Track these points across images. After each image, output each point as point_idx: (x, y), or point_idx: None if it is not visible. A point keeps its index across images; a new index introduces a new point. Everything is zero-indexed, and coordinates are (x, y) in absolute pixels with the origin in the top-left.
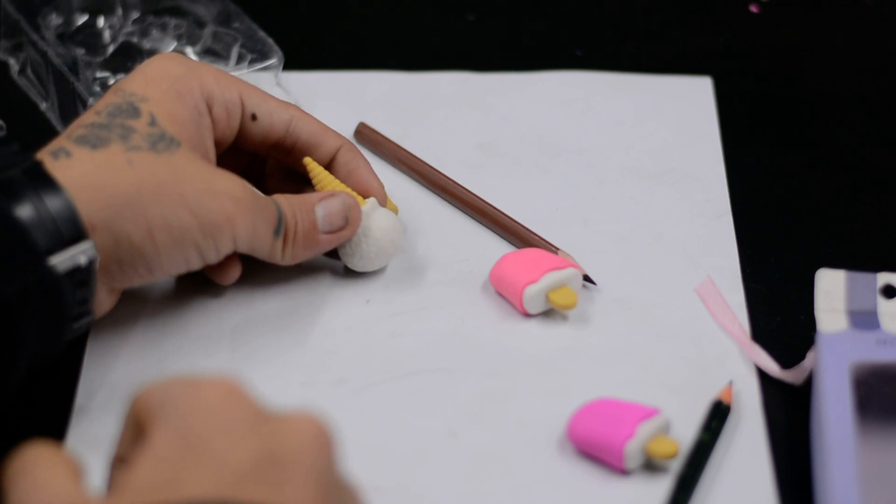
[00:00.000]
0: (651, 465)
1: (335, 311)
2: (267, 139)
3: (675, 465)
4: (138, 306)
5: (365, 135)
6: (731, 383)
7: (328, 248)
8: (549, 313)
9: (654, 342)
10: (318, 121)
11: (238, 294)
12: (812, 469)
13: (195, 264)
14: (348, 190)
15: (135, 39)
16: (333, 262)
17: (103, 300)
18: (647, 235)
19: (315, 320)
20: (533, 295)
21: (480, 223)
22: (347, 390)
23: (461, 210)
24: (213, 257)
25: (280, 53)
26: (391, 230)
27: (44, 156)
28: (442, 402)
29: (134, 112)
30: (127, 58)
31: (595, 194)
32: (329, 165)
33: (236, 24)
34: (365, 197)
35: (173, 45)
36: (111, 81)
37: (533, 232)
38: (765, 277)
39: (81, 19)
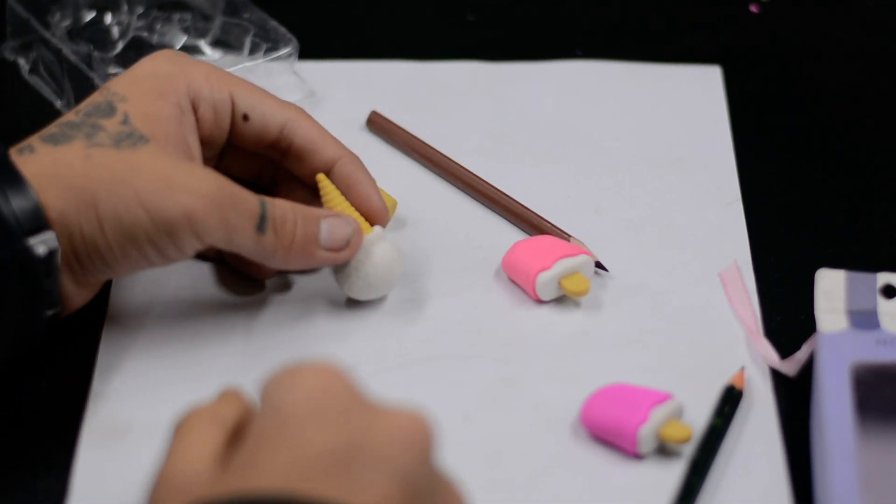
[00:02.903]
0: (664, 450)
1: (347, 297)
2: (261, 140)
3: (688, 450)
4: (154, 294)
5: (377, 123)
6: (742, 369)
7: (323, 264)
8: (561, 300)
9: (666, 328)
10: (319, 127)
11: (251, 282)
12: (812, 468)
13: (157, 261)
14: (356, 215)
15: (145, 34)
16: (333, 292)
17: (73, 293)
18: (658, 223)
19: (328, 307)
20: (545, 282)
21: (493, 211)
22: (360, 377)
23: (473, 198)
24: (175, 254)
25: (295, 42)
26: (391, 262)
27: (12, 152)
28: (455, 388)
29: (110, 111)
30: (138, 52)
31: (606, 182)
32: (328, 175)
33: (246, 15)
34: (367, 217)
35: (183, 38)
36: None
37: (545, 219)
38: (765, 277)
39: (89, 16)
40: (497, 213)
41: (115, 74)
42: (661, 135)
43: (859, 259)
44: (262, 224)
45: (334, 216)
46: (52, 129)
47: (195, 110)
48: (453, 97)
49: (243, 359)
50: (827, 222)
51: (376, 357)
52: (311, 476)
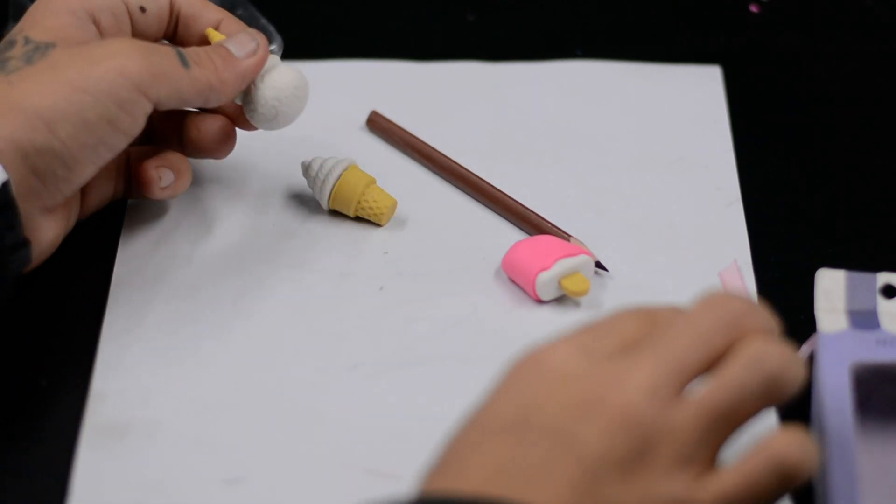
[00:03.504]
0: (567, 301)
1: (349, 297)
2: (161, 26)
3: None
4: (154, 292)
5: (377, 123)
6: None
7: (253, 73)
8: (561, 300)
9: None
10: None
11: (252, 280)
12: None
13: (116, 141)
14: None
15: None
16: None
17: (42, 225)
18: (658, 223)
19: (329, 306)
20: (546, 282)
21: (493, 210)
22: (360, 376)
23: (474, 198)
24: (129, 123)
25: (280, 40)
26: (292, 81)
27: None
28: (455, 388)
29: (10, 45)
30: None
31: (606, 182)
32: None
33: (239, 12)
34: None
35: None
36: None
37: (545, 219)
38: (765, 277)
39: None
40: (497, 212)
41: None
42: (661, 135)
43: (859, 259)
44: (183, 59)
45: (232, 35)
46: None
47: (97, 24)
48: (453, 97)
49: (245, 358)
50: (827, 222)
51: (376, 357)
52: (487, 444)
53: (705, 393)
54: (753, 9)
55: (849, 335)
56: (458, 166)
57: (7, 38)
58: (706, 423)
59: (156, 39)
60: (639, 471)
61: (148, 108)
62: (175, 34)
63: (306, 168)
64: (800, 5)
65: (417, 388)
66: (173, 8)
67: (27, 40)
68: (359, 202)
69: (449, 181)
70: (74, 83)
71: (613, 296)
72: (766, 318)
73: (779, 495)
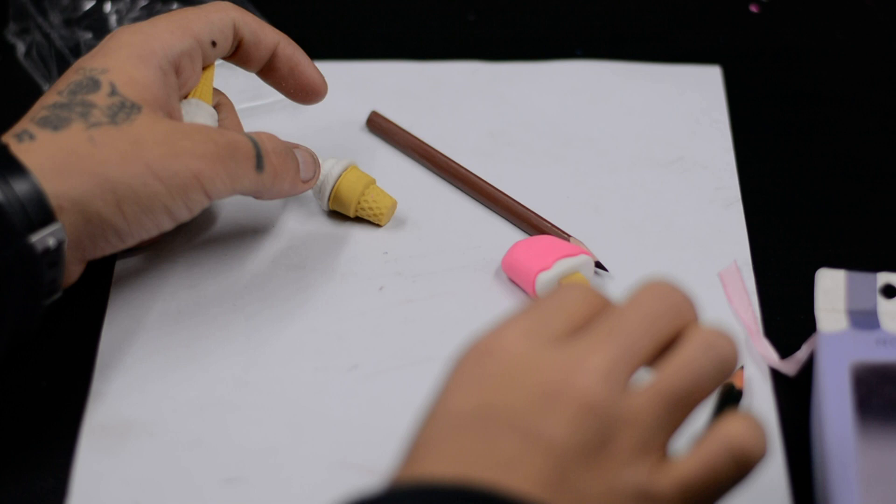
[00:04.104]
0: None
1: (348, 297)
2: (225, 53)
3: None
4: (154, 292)
5: (377, 123)
6: (742, 368)
7: (299, 192)
8: None
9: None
10: (256, 17)
11: (252, 281)
12: (812, 468)
13: (167, 226)
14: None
15: None
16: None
17: (72, 271)
18: (657, 223)
19: (328, 306)
20: (545, 282)
21: (492, 211)
22: (360, 376)
23: (473, 198)
24: (186, 216)
25: None
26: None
27: (8, 139)
28: None
29: (94, 85)
30: None
31: (606, 182)
32: (271, 63)
33: None
34: (310, 92)
35: None
36: None
37: (545, 219)
38: (765, 277)
39: (89, 4)
40: (497, 212)
41: None
42: (660, 135)
43: (859, 259)
44: (260, 162)
45: (297, 147)
46: (41, 111)
47: (177, 71)
48: (453, 97)
49: (244, 358)
50: (827, 222)
51: (376, 357)
52: (450, 440)
53: (661, 378)
54: (753, 9)
55: (849, 335)
56: (458, 166)
57: (86, 69)
58: (663, 409)
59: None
60: (603, 459)
61: (206, 205)
62: (235, 57)
63: None
64: (800, 5)
65: (417, 388)
66: (236, 36)
67: (113, 90)
68: (358, 203)
69: (449, 181)
70: (153, 168)
71: (613, 296)
72: (698, 309)
73: (735, 481)
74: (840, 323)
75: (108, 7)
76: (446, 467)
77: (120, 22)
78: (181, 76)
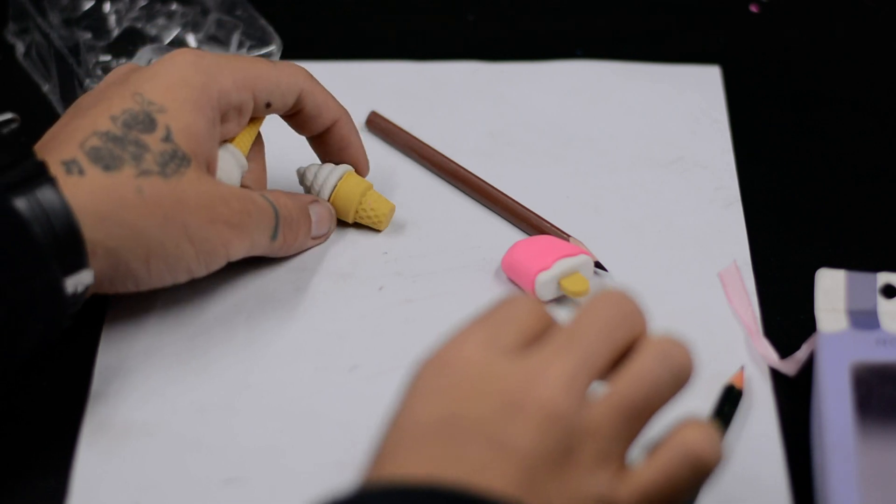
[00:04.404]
0: (566, 301)
1: (348, 298)
2: (277, 114)
3: None
4: (154, 293)
5: (377, 123)
6: (742, 368)
7: (307, 248)
8: (561, 300)
9: (665, 328)
10: (322, 89)
11: (252, 281)
12: (812, 469)
13: (182, 280)
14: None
15: (139, 25)
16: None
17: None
18: (657, 223)
19: (328, 307)
20: (545, 282)
21: (492, 211)
22: (360, 377)
23: (473, 198)
24: (203, 273)
25: (279, 40)
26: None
27: (57, 168)
28: None
29: (150, 124)
30: (130, 43)
31: (605, 182)
32: (324, 134)
33: (238, 12)
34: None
35: (175, 31)
36: (113, 65)
37: (544, 219)
38: (765, 277)
39: (88, 4)
40: (496, 212)
41: (104, 63)
42: (660, 135)
43: (859, 259)
44: (275, 233)
45: (314, 201)
46: (92, 138)
47: (223, 118)
48: (453, 97)
49: (244, 358)
50: (827, 222)
51: (376, 357)
52: (415, 450)
53: (618, 389)
54: (753, 9)
55: (849, 335)
56: (458, 166)
57: (144, 100)
58: (622, 419)
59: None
60: (567, 468)
61: (223, 265)
62: (290, 119)
63: (301, 176)
64: (800, 5)
65: None
66: (298, 105)
67: (168, 135)
68: (356, 210)
69: (448, 181)
70: (189, 232)
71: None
72: (648, 319)
73: (692, 487)
74: (840, 323)
75: (107, 7)
76: (415, 472)
77: (119, 22)
78: (225, 125)
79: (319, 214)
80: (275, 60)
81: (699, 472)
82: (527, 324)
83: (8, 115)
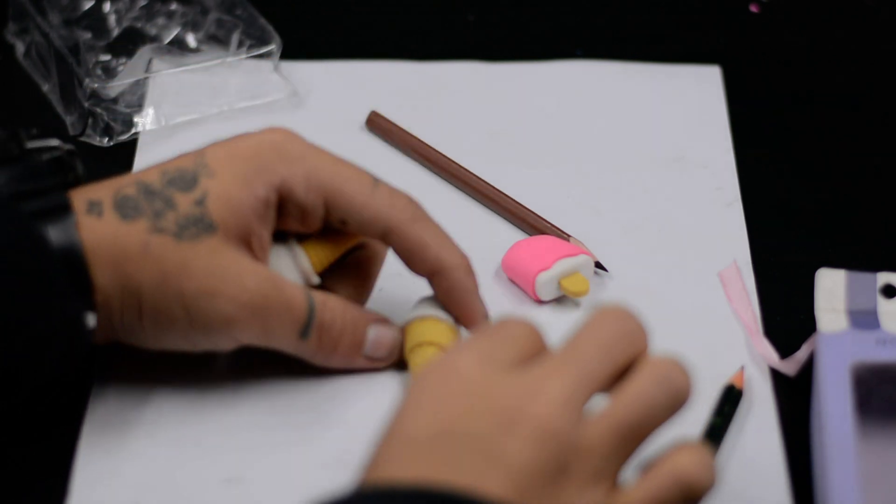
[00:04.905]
0: (566, 301)
1: None
2: (360, 236)
3: None
4: None
5: (377, 123)
6: (742, 368)
7: (358, 368)
8: (561, 300)
9: (665, 328)
10: (429, 230)
11: None
12: (812, 468)
13: (185, 347)
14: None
15: (139, 25)
16: None
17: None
18: (657, 223)
19: None
20: (545, 282)
21: (493, 211)
22: (360, 376)
23: (473, 198)
24: (210, 348)
25: (279, 40)
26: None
27: (81, 203)
28: None
29: (192, 184)
30: (130, 42)
31: (606, 182)
32: (431, 280)
33: (238, 12)
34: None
35: (175, 31)
36: (113, 65)
37: (544, 219)
38: (765, 277)
39: (88, 4)
40: (496, 212)
41: (104, 63)
42: (660, 135)
43: (859, 259)
44: (306, 331)
45: (382, 322)
46: (130, 188)
47: (283, 206)
48: (453, 97)
49: (244, 358)
50: (827, 222)
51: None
52: (413, 462)
53: (614, 409)
54: (753, 9)
55: (849, 335)
56: (458, 166)
57: (202, 160)
58: (617, 440)
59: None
60: (560, 485)
61: (237, 347)
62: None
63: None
64: (800, 5)
65: None
66: (385, 238)
67: (202, 199)
68: (410, 352)
69: (449, 181)
70: (184, 299)
71: (613, 296)
72: (650, 337)
73: None
74: (840, 323)
75: (107, 7)
76: (410, 478)
77: (119, 22)
78: (285, 219)
79: (380, 336)
80: (382, 182)
81: (690, 497)
82: (524, 343)
83: (54, 142)
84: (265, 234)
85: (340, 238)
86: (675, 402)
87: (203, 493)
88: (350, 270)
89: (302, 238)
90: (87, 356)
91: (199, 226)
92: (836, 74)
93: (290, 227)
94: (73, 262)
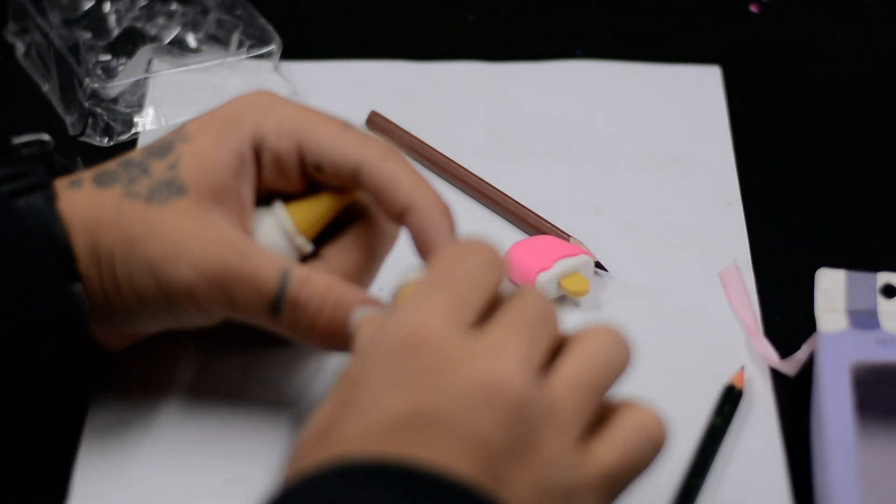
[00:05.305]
0: (566, 301)
1: None
2: (333, 183)
3: (689, 450)
4: None
5: (377, 123)
6: (742, 368)
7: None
8: (561, 300)
9: (665, 328)
10: (398, 168)
11: None
12: (812, 468)
13: (176, 326)
14: None
15: (139, 25)
16: None
17: (108, 339)
18: (657, 223)
19: None
20: (545, 282)
21: (493, 211)
22: None
23: (473, 198)
24: (189, 322)
25: (279, 40)
26: None
27: (63, 182)
28: None
29: (167, 151)
30: (130, 42)
31: (605, 182)
32: (402, 220)
33: (238, 12)
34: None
35: (175, 31)
36: (113, 65)
37: (544, 219)
38: (765, 277)
39: (88, 4)
40: (496, 212)
41: (104, 63)
42: (660, 135)
43: (859, 259)
44: (277, 306)
45: (373, 304)
46: (112, 164)
47: (258, 158)
48: (453, 97)
49: (245, 358)
50: (827, 222)
51: None
52: (381, 441)
53: (572, 367)
54: (753, 9)
55: (849, 335)
56: (458, 166)
57: (183, 129)
58: (580, 397)
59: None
60: (531, 454)
61: (211, 322)
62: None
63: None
64: (800, 5)
65: None
66: (355, 178)
67: (175, 163)
68: None
69: (449, 181)
70: (151, 264)
71: (613, 296)
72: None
73: (649, 463)
74: (840, 323)
75: (107, 7)
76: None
77: (119, 22)
78: (265, 173)
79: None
80: (355, 127)
81: (656, 447)
82: (488, 283)
83: (29, 138)
84: (246, 191)
85: (327, 197)
86: (625, 360)
87: (203, 494)
88: (354, 246)
89: (288, 201)
90: (84, 337)
91: (170, 189)
92: (836, 74)
93: (269, 183)
94: (52, 231)
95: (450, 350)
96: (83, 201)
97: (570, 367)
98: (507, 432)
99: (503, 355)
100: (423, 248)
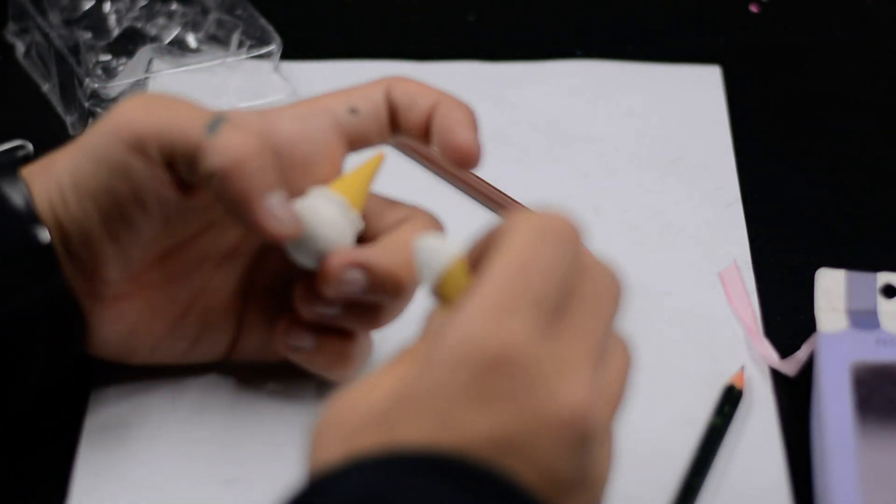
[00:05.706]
0: None
1: None
2: (381, 125)
3: (689, 450)
4: None
5: None
6: (742, 368)
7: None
8: None
9: (665, 329)
10: (417, 82)
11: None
12: (812, 468)
13: (138, 221)
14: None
15: (139, 25)
16: None
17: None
18: (657, 223)
19: None
20: None
21: (493, 211)
22: (360, 376)
23: (473, 198)
24: (135, 193)
25: (279, 40)
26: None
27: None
28: None
29: None
30: (130, 42)
31: (605, 182)
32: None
33: (238, 12)
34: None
35: (175, 31)
36: (113, 65)
37: None
38: (765, 277)
39: (88, 4)
40: (497, 213)
41: (104, 63)
42: (660, 135)
43: (859, 259)
44: (214, 123)
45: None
46: None
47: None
48: None
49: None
50: (827, 222)
51: (377, 358)
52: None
53: (615, 385)
54: (753, 9)
55: (849, 335)
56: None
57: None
58: (615, 409)
59: (376, 141)
60: (589, 483)
61: (156, 174)
62: (398, 129)
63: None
64: (800, 5)
65: None
66: (388, 101)
67: None
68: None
69: (449, 181)
70: (99, 124)
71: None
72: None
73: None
74: (840, 323)
75: (107, 7)
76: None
77: (119, 22)
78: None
79: (279, 207)
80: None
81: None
82: (571, 273)
83: (9, 145)
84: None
85: (360, 169)
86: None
87: (203, 495)
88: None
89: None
90: (75, 312)
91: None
92: (836, 74)
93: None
94: (11, 183)
95: (534, 370)
96: (42, 160)
97: (614, 385)
98: (574, 466)
99: (578, 379)
100: (449, 145)
